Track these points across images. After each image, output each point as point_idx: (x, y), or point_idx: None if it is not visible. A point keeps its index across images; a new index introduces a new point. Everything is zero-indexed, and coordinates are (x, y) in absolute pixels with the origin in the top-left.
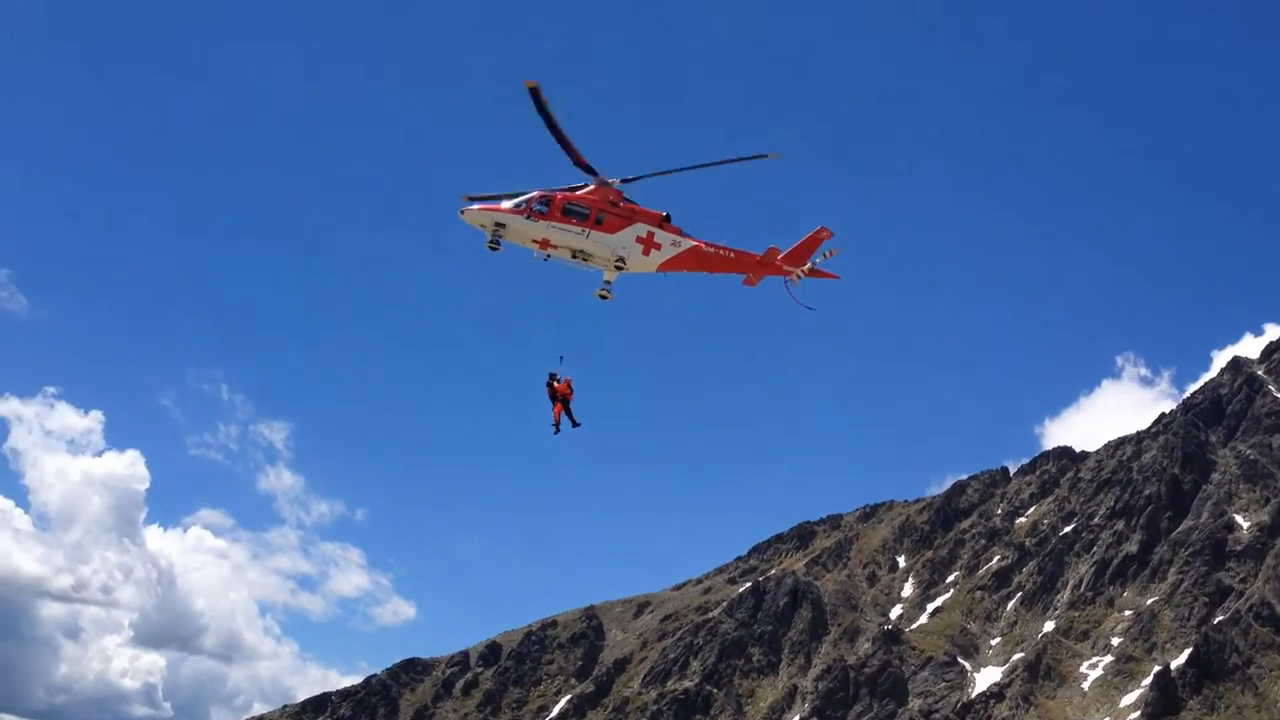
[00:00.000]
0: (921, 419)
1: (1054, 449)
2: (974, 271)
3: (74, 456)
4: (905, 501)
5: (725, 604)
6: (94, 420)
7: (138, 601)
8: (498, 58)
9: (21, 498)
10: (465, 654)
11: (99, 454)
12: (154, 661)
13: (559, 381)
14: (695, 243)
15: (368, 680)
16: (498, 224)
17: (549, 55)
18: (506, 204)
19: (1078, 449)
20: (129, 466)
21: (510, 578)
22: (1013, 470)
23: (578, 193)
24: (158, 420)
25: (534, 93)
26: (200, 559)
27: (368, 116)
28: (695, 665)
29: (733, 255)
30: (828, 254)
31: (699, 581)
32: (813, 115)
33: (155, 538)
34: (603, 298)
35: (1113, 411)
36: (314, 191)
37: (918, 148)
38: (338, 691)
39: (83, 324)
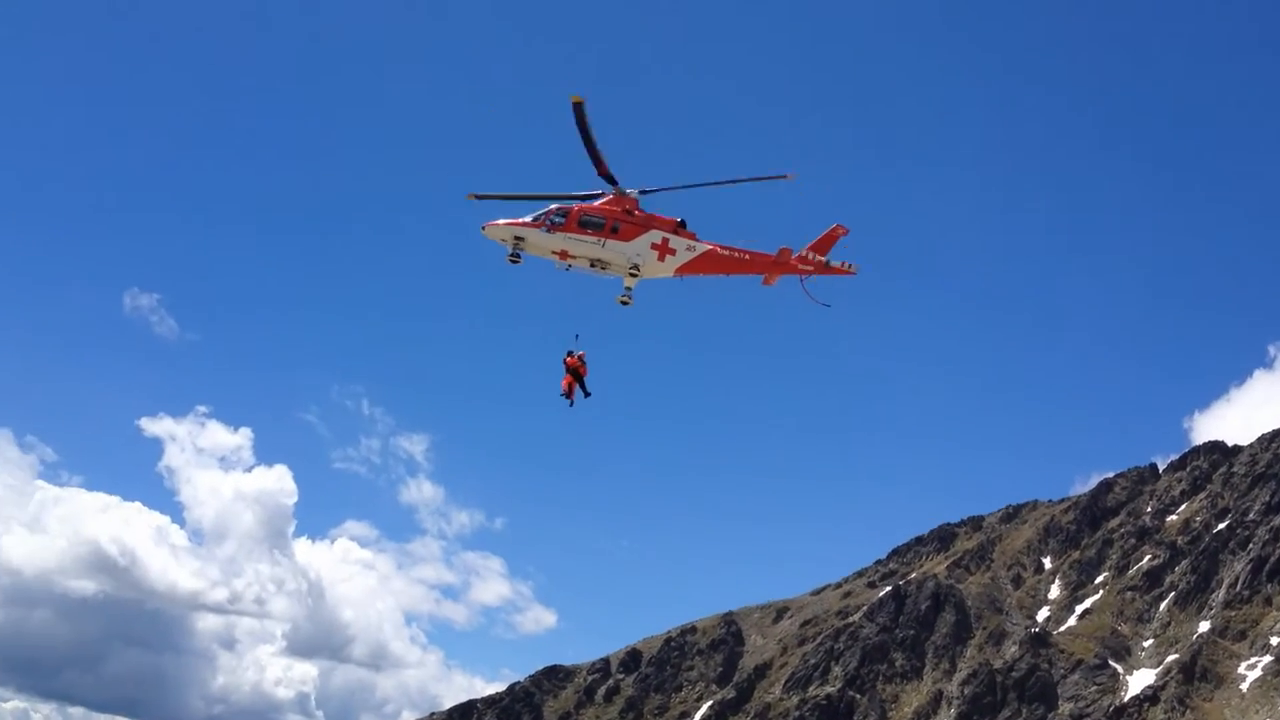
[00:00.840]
0: (1064, 416)
1: (1205, 444)
2: (1117, 261)
3: (225, 473)
4: (1049, 501)
5: (866, 608)
6: (243, 437)
7: (289, 612)
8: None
9: (177, 514)
10: (606, 661)
11: (249, 470)
12: (306, 671)
13: (572, 356)
14: (710, 246)
15: (511, 687)
16: (517, 238)
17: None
18: (526, 218)
19: (1230, 443)
20: (277, 481)
21: (648, 584)
22: (1161, 466)
23: (594, 204)
24: (303, 435)
25: (578, 108)
26: (347, 570)
27: (492, 133)
28: (837, 670)
29: (748, 257)
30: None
31: (838, 586)
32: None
33: (304, 550)
34: (624, 303)
35: (1265, 403)
36: (448, 206)
37: (1051, 127)
38: (482, 699)
39: (230, 345)
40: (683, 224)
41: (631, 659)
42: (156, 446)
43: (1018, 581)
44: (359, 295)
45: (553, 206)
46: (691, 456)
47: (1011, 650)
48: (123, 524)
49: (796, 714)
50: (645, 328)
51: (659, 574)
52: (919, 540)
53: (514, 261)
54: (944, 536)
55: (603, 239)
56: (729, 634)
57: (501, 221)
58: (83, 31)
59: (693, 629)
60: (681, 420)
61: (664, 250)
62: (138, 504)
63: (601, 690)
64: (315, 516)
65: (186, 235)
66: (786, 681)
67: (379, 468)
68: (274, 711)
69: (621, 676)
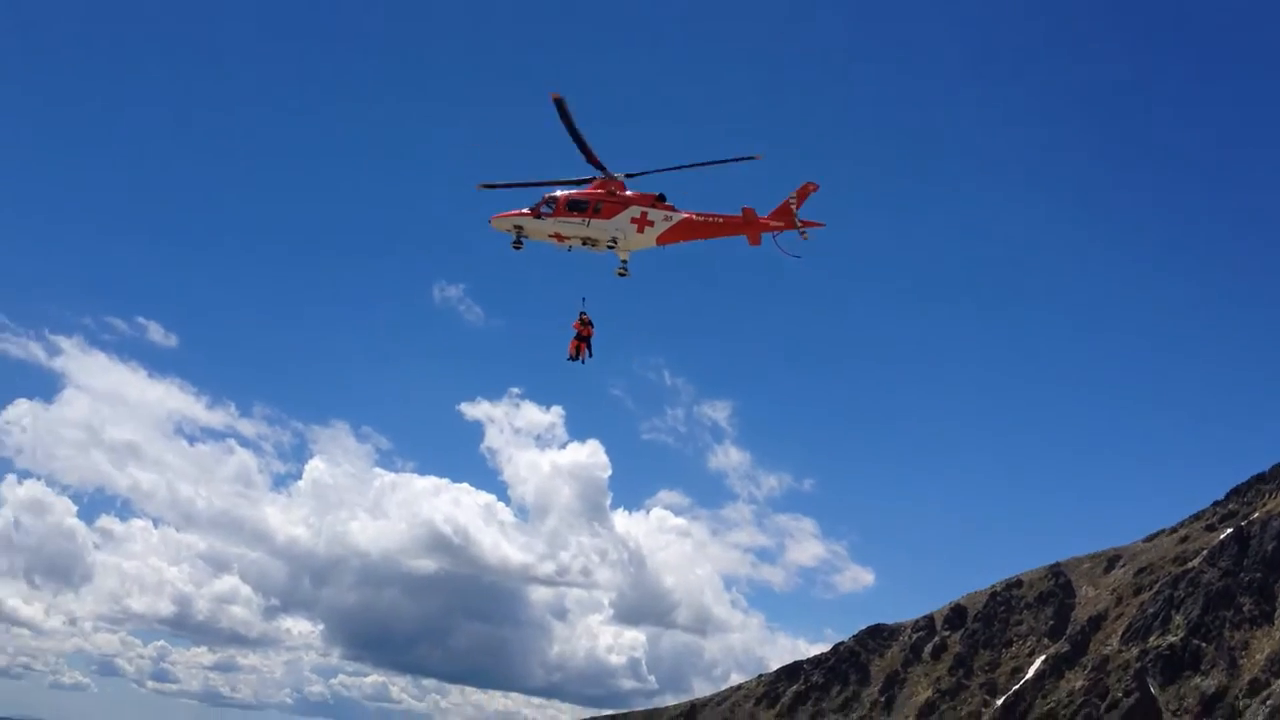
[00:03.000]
0: None
1: None
2: None
3: (542, 450)
4: None
5: (1206, 552)
6: (555, 415)
7: (614, 582)
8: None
9: (502, 492)
10: (930, 618)
11: (563, 446)
12: (635, 637)
13: (582, 319)
14: (686, 215)
15: (836, 647)
16: (516, 226)
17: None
18: (524, 209)
19: None
20: (591, 456)
21: (966, 539)
22: None
23: (582, 189)
24: (611, 410)
25: (559, 104)
26: (664, 539)
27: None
28: (1179, 619)
29: (721, 220)
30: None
31: (1172, 531)
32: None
33: (622, 521)
34: (621, 274)
35: None
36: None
37: None
38: (808, 659)
39: (533, 328)
40: (661, 197)
41: (956, 615)
42: (477, 429)
43: None
44: (653, 271)
45: (544, 195)
46: (1003, 402)
47: None
48: (453, 504)
49: (1138, 665)
50: (950, 281)
51: (977, 527)
52: (1260, 478)
53: (517, 247)
54: None
55: (587, 219)
56: (1057, 586)
57: (505, 213)
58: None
59: (1018, 582)
60: (993, 368)
61: (643, 223)
62: (465, 485)
63: (928, 648)
64: (629, 488)
65: (481, 227)
66: (1124, 633)
67: (685, 436)
68: (609, 677)
69: (948, 633)
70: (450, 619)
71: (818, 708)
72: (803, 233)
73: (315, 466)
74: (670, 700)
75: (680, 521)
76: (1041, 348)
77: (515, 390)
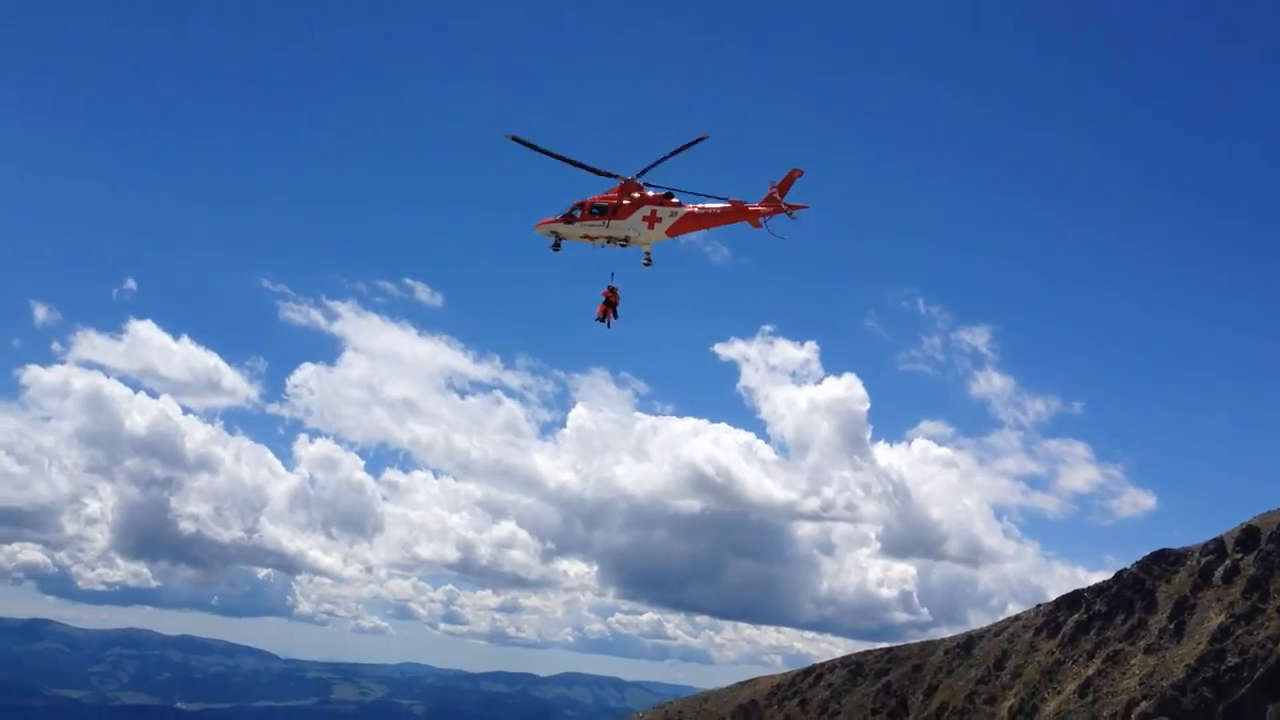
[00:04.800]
0: None
1: None
2: None
3: (798, 386)
4: None
5: None
6: (809, 351)
7: (879, 515)
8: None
9: (761, 430)
10: (1219, 540)
11: (819, 381)
12: (905, 570)
13: (610, 290)
14: (688, 209)
15: (1118, 574)
16: (554, 232)
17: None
18: (557, 216)
19: None
20: (848, 390)
21: (1254, 457)
22: None
23: (604, 193)
24: (866, 342)
25: (516, 140)
26: (928, 470)
27: None
28: None
29: (719, 210)
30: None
31: None
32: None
33: (883, 454)
34: (646, 265)
35: None
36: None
37: None
38: (1089, 588)
39: (782, 264)
40: (669, 195)
41: (1248, 537)
42: (732, 369)
43: None
44: (901, 199)
45: (573, 203)
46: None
47: None
48: (713, 444)
49: None
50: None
51: (1266, 445)
52: None
53: (555, 249)
54: None
55: (607, 221)
56: None
57: (544, 220)
58: None
59: None
60: None
61: (653, 220)
62: (724, 424)
63: (1219, 572)
64: (889, 420)
65: (738, 174)
66: None
67: (944, 365)
68: (880, 610)
69: (1239, 556)
70: (719, 557)
71: (1102, 636)
72: (791, 215)
73: (579, 414)
74: (945, 632)
75: (944, 452)
76: None
77: (768, 328)
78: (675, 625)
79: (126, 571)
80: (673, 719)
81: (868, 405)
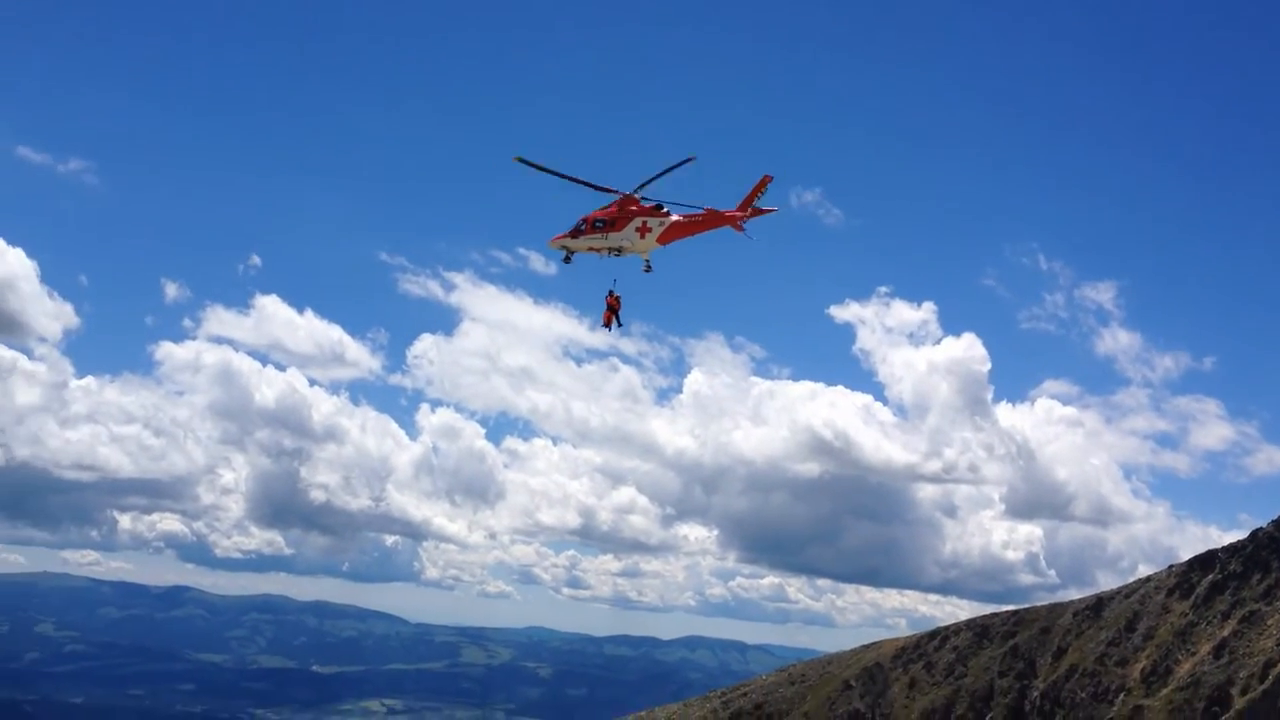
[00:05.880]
0: None
1: None
2: None
3: (916, 348)
4: None
5: None
6: (927, 311)
7: (1003, 476)
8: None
9: (879, 392)
10: None
11: (938, 342)
12: (1030, 532)
13: (611, 295)
14: (675, 219)
15: (1254, 534)
16: (564, 246)
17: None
18: (566, 232)
19: None
20: (967, 350)
21: None
22: None
23: (604, 209)
24: (985, 301)
25: (523, 161)
26: (1053, 430)
27: None
28: None
29: (700, 218)
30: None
31: None
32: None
33: (1006, 414)
34: (646, 270)
35: None
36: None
37: None
38: (1223, 548)
39: (895, 225)
40: (658, 206)
41: None
42: (848, 331)
43: None
44: (1019, 151)
45: (579, 219)
46: None
47: None
48: (830, 408)
49: None
50: None
51: None
52: None
53: (567, 262)
54: None
55: (606, 233)
56: None
57: (555, 237)
58: None
59: None
60: None
61: (644, 230)
62: (840, 387)
63: None
64: (1011, 379)
65: (853, 132)
66: None
67: (1067, 322)
68: (1006, 573)
69: None
70: (839, 520)
71: (1237, 597)
72: (767, 212)
73: (694, 379)
74: (1074, 594)
75: (1069, 411)
76: None
77: (884, 289)
78: (797, 589)
79: (261, 539)
80: (796, 681)
81: (988, 365)
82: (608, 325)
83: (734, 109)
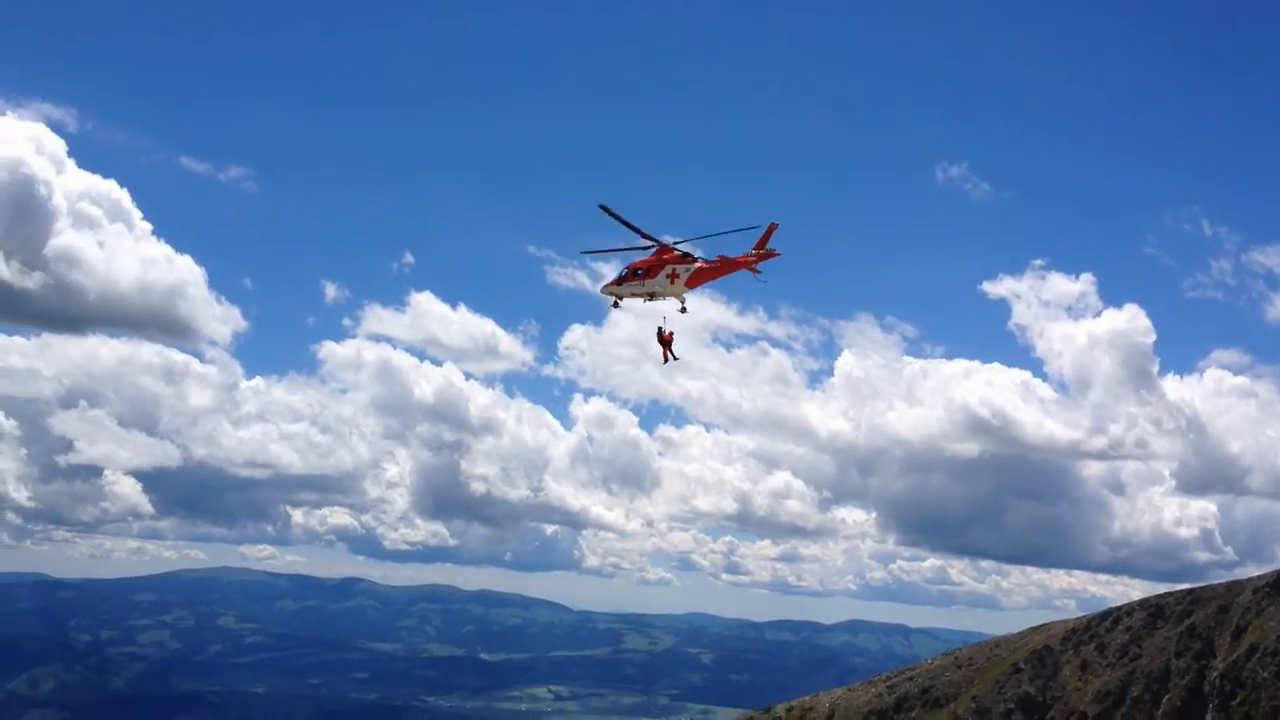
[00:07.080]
0: None
1: None
2: None
3: (1075, 321)
4: None
5: None
6: (1085, 283)
7: (1172, 451)
8: None
9: (1037, 369)
10: None
11: (1098, 314)
12: (1204, 508)
13: (664, 331)
14: (699, 264)
15: None
16: (613, 293)
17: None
18: (612, 279)
19: None
20: (1130, 321)
21: None
22: None
23: (644, 259)
24: (1148, 270)
25: (605, 210)
26: (1224, 401)
27: None
28: None
29: (718, 263)
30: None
31: None
32: None
33: (1173, 386)
34: (681, 311)
35: None
36: None
37: None
38: None
39: (1051, 194)
40: (687, 255)
41: None
42: (1003, 307)
43: None
44: (1174, 112)
45: (625, 266)
46: None
47: None
48: (986, 385)
49: None
50: None
51: None
52: None
53: (616, 306)
54: None
55: (643, 280)
56: None
57: (606, 283)
58: None
59: None
60: None
61: (673, 276)
62: (996, 364)
63: None
64: (1177, 350)
65: (996, 103)
66: None
67: (1236, 289)
68: (1179, 550)
69: None
70: (1001, 500)
71: None
72: (772, 255)
73: (846, 360)
74: (1253, 571)
75: (1241, 381)
76: None
77: (1038, 262)
78: (959, 571)
79: (426, 531)
80: (963, 665)
81: (1153, 337)
82: (666, 359)
83: (876, 87)
